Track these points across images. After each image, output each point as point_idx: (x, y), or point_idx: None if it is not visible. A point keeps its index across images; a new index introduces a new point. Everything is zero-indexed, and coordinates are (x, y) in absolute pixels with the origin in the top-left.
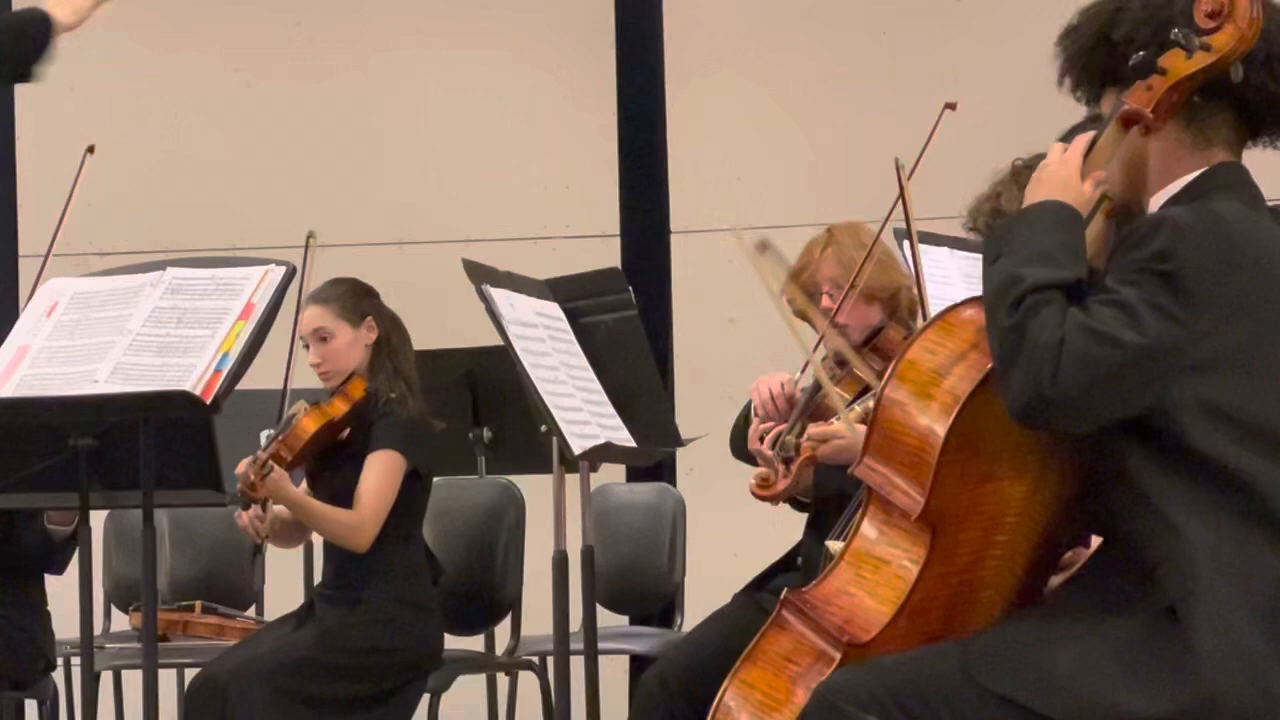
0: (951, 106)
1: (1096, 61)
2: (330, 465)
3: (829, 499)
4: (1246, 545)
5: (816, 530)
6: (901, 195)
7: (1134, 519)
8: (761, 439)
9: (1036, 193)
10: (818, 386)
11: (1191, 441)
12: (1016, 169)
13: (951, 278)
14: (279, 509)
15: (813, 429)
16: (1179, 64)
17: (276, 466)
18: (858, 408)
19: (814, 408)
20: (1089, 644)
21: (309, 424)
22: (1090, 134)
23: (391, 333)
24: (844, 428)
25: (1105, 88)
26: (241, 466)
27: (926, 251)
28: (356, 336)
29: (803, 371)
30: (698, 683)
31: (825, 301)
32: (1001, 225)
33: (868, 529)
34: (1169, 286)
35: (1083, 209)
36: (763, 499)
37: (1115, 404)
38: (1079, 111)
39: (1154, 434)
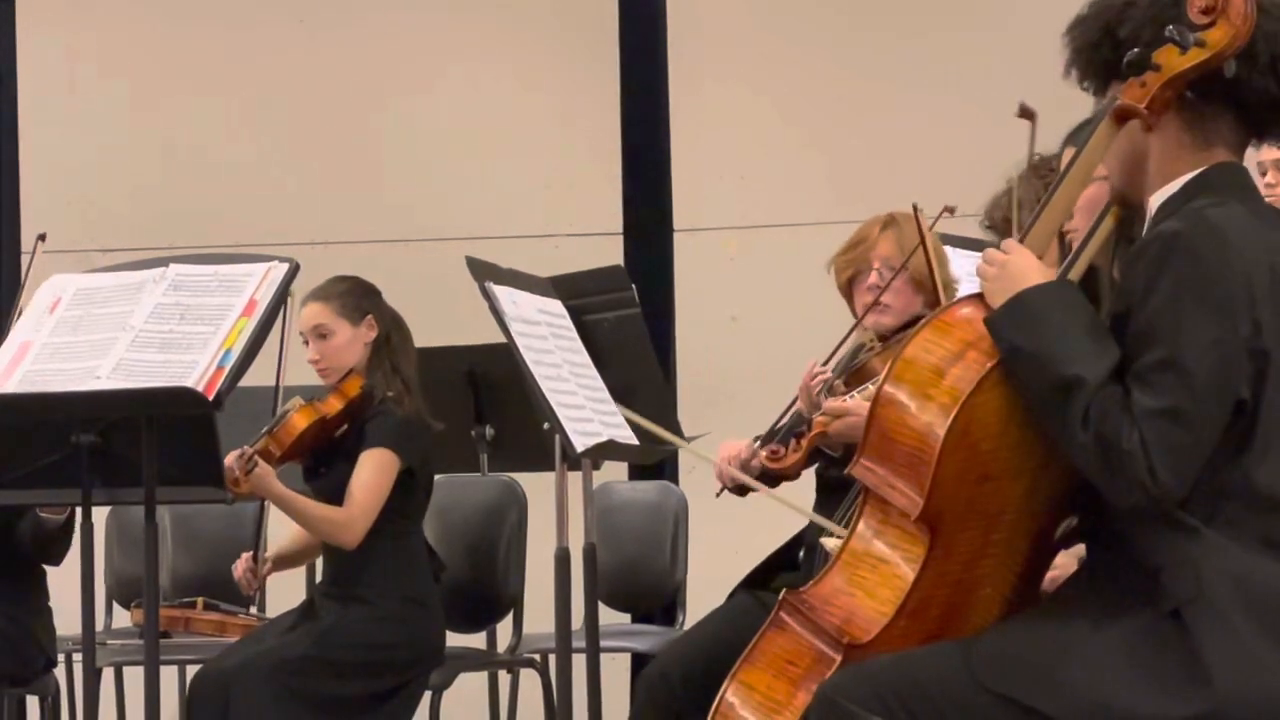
0: (950, 210)
1: (1102, 57)
2: (326, 462)
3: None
4: (1255, 551)
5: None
6: (922, 241)
7: (1138, 522)
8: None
9: (1009, 286)
10: (858, 348)
11: None
12: (1033, 163)
13: (956, 275)
14: (275, 553)
15: (828, 404)
16: (1173, 60)
17: (262, 462)
18: (870, 387)
19: (856, 368)
20: (1096, 646)
21: (299, 421)
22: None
23: (392, 332)
24: (860, 404)
25: (1111, 82)
26: (228, 460)
27: None
28: (355, 334)
29: (833, 353)
30: (699, 678)
31: (873, 278)
32: (1003, 317)
33: (865, 529)
34: (1200, 309)
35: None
36: (772, 472)
37: (1207, 452)
38: (1085, 107)
39: None
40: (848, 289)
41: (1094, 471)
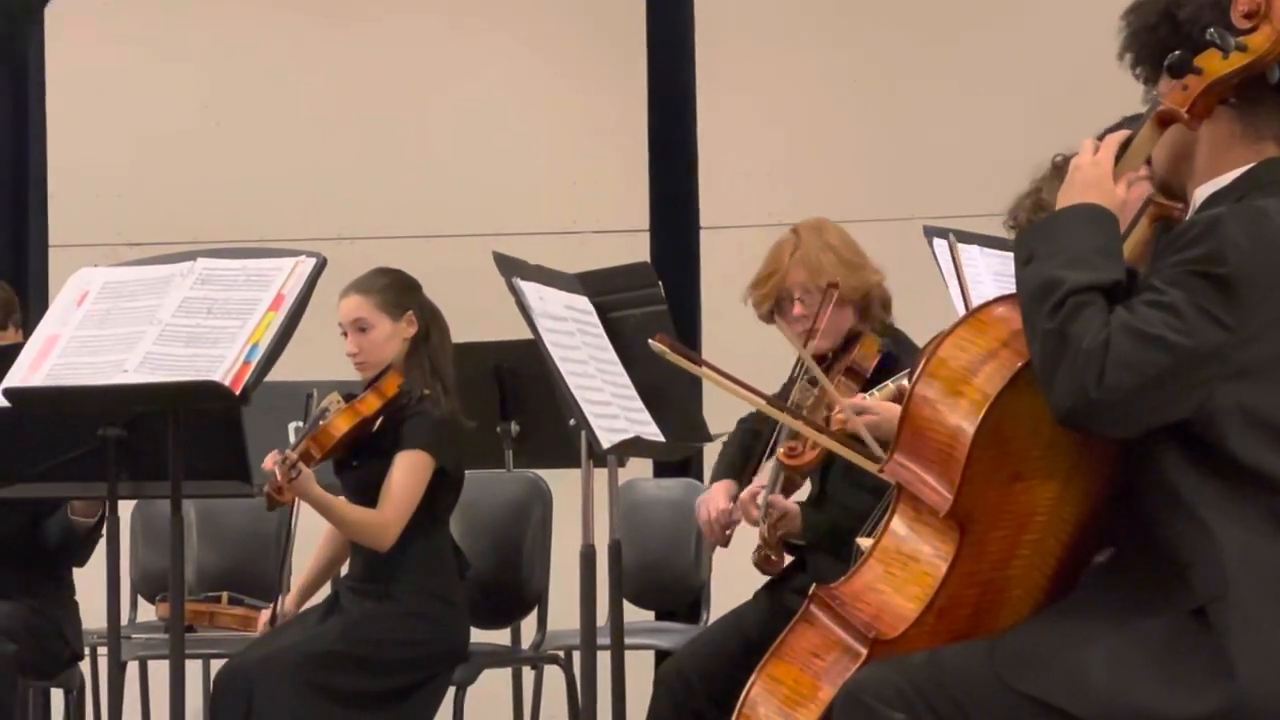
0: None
1: (1159, 39)
2: (359, 457)
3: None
4: (1279, 549)
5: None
6: (955, 265)
7: (1166, 520)
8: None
9: (1069, 194)
10: (797, 409)
11: (1230, 447)
12: (1057, 164)
13: (981, 276)
14: (295, 595)
15: (849, 400)
16: (1215, 64)
17: (305, 467)
18: (891, 385)
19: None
20: (1119, 644)
21: (341, 423)
22: (1122, 134)
23: (432, 328)
24: (878, 403)
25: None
26: (269, 463)
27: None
28: (395, 330)
29: (791, 377)
30: (716, 677)
31: (797, 309)
32: (1033, 226)
33: (897, 526)
34: (1218, 290)
35: (1116, 210)
36: (790, 468)
37: (1160, 408)
38: (1115, 108)
39: (1192, 438)
40: (770, 318)
41: (1044, 362)
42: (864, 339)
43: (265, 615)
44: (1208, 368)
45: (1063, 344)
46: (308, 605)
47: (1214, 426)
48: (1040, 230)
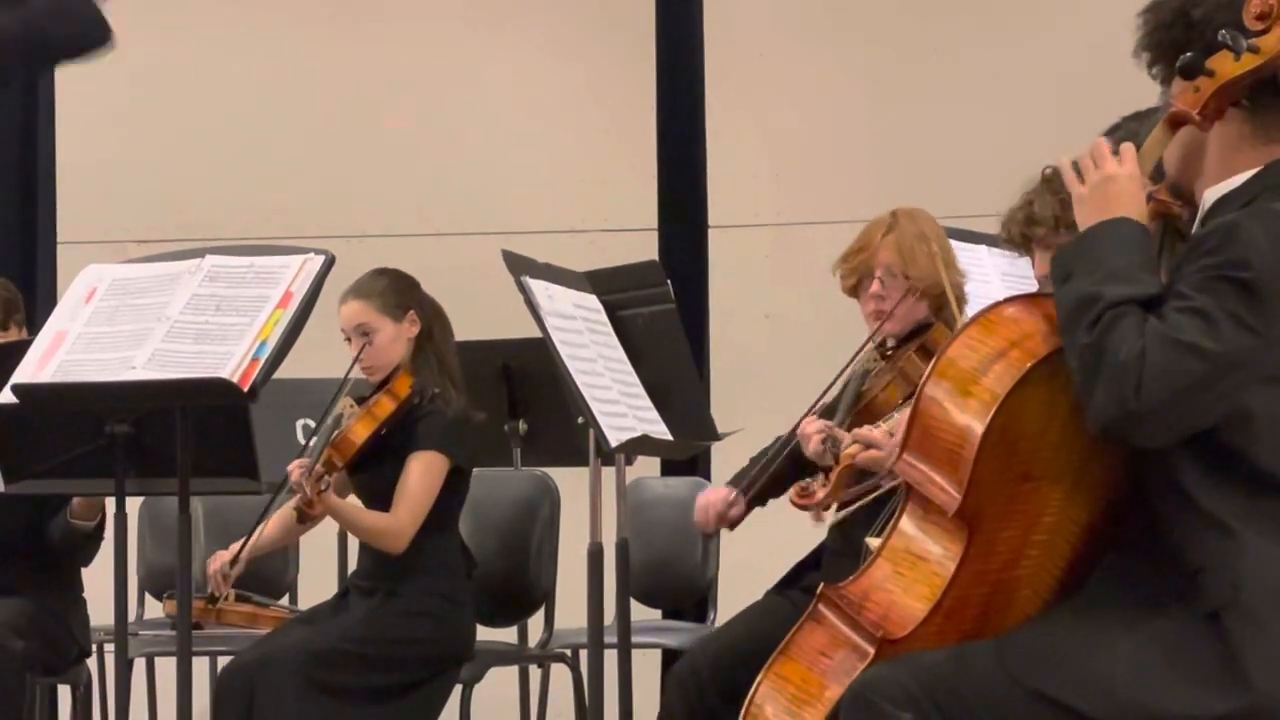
0: None
1: (1172, 38)
2: (372, 459)
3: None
4: None
5: (841, 530)
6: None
7: (1177, 523)
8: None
9: (1102, 207)
10: (864, 374)
11: (1255, 452)
12: (1047, 176)
13: (989, 276)
14: (250, 553)
15: (858, 431)
16: (1226, 66)
17: (330, 479)
18: (897, 416)
19: (861, 404)
20: (1132, 645)
21: (361, 431)
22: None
23: (434, 325)
24: (887, 432)
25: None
26: (294, 474)
27: (965, 250)
28: (399, 331)
29: (846, 368)
30: (728, 676)
31: (875, 286)
32: (1070, 244)
33: (906, 525)
34: (1244, 295)
35: (1145, 220)
36: (802, 508)
37: (1196, 415)
38: (1127, 108)
39: (1209, 442)
40: (854, 293)
41: (1083, 376)
42: (936, 327)
43: (224, 560)
44: (1239, 373)
45: (1100, 357)
46: (314, 604)
47: (1240, 432)
48: (1077, 248)
